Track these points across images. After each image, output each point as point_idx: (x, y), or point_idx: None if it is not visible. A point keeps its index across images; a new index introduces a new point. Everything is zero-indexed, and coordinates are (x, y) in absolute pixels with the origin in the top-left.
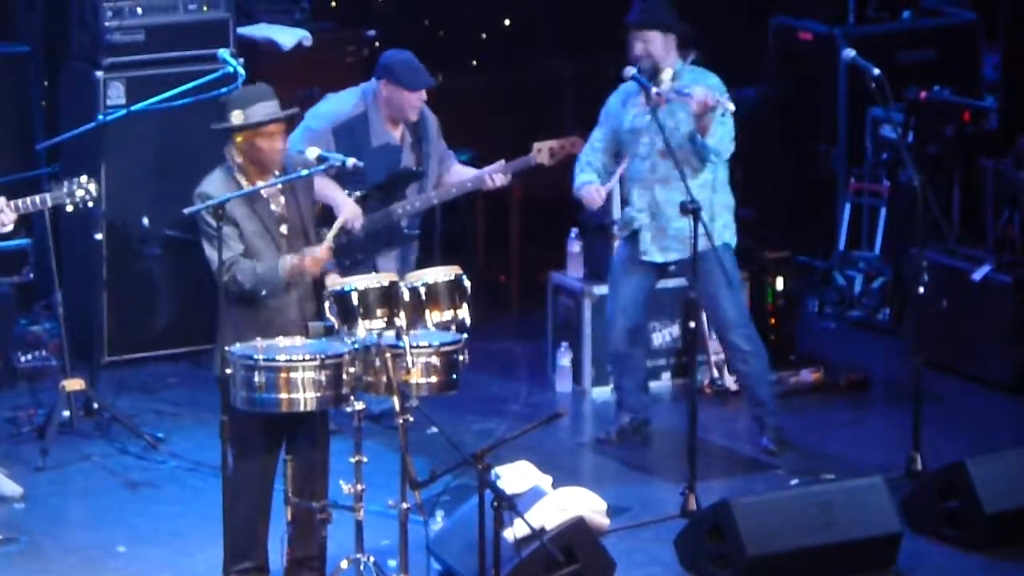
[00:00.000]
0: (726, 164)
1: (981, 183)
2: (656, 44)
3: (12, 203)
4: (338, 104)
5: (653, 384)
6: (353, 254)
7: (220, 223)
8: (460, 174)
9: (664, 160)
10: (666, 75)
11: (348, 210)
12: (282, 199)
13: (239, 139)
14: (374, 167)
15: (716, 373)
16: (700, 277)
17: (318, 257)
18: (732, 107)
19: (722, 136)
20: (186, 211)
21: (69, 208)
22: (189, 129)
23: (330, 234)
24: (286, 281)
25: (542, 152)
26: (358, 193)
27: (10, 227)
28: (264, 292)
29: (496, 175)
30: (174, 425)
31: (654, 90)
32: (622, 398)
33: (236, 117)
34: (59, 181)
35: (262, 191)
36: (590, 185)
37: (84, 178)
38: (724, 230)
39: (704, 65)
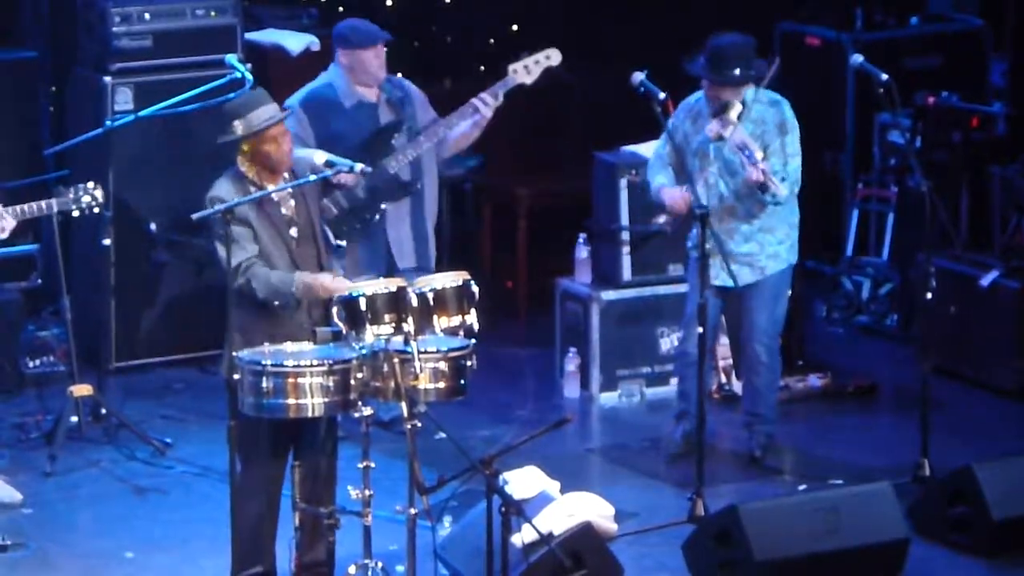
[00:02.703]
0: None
1: (989, 189)
2: (726, 91)
3: (11, 209)
4: (304, 87)
5: (661, 389)
6: (361, 215)
7: (230, 226)
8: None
9: (730, 190)
10: (734, 112)
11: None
12: (292, 202)
13: (245, 148)
14: (353, 126)
15: (724, 378)
16: (751, 289)
17: (329, 287)
18: (784, 192)
19: (789, 186)
20: (195, 216)
21: (75, 214)
22: (197, 134)
23: (367, 283)
24: (296, 297)
25: (519, 72)
26: (358, 167)
27: (6, 234)
28: (276, 303)
29: (485, 99)
30: (182, 431)
31: (660, 96)
32: (687, 407)
33: (236, 128)
34: (67, 187)
35: (272, 195)
36: (671, 188)
37: (91, 184)
38: (791, 251)
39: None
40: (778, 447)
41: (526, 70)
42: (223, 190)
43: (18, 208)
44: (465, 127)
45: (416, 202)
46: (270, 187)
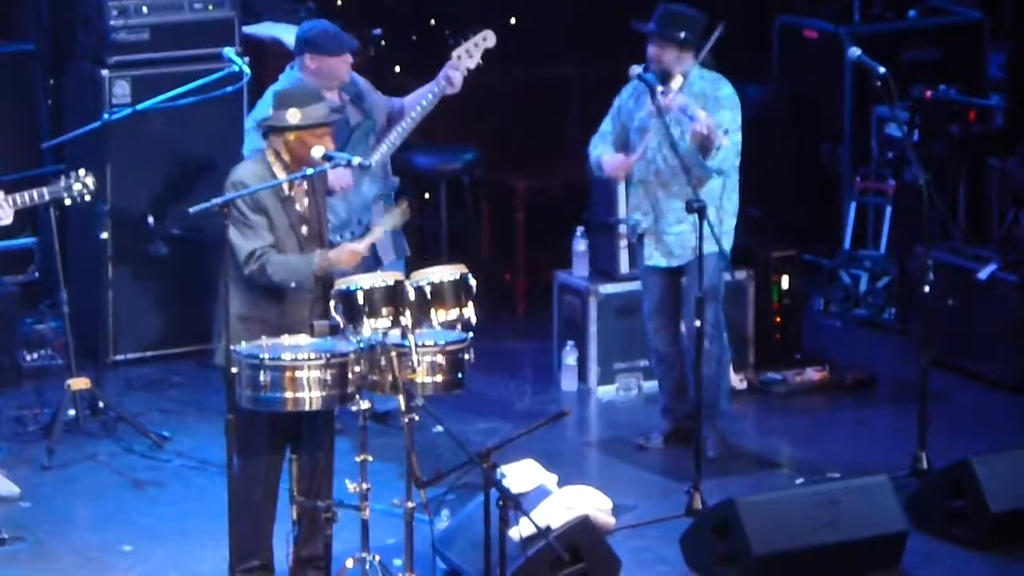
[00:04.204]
0: (736, 169)
1: (987, 182)
2: (669, 53)
3: (10, 197)
4: (266, 95)
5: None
6: (359, 217)
7: (244, 212)
8: (414, 97)
9: (667, 165)
10: (675, 82)
11: (335, 176)
12: (305, 200)
13: (292, 137)
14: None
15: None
16: (689, 276)
17: (357, 250)
18: (725, 142)
19: (724, 156)
20: (193, 209)
21: (67, 202)
22: (194, 128)
23: (373, 233)
24: (316, 276)
25: (463, 57)
26: (356, 160)
27: (8, 220)
28: (293, 284)
29: (453, 75)
30: (180, 424)
31: (659, 88)
32: (665, 402)
33: (293, 116)
34: (58, 177)
35: (290, 190)
36: (612, 155)
37: (82, 172)
38: (723, 237)
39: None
40: (730, 446)
41: (468, 54)
42: (247, 174)
43: (15, 196)
44: (436, 101)
45: (388, 194)
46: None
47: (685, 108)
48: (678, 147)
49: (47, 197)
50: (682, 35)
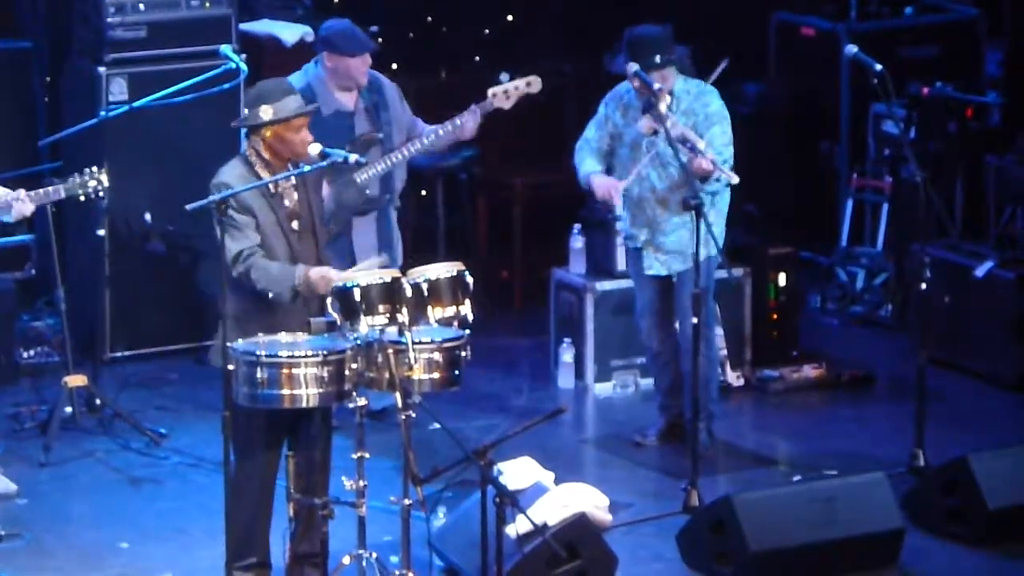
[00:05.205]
0: (727, 188)
1: (983, 179)
2: (671, 77)
3: (30, 193)
4: None
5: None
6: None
7: (230, 213)
8: (433, 128)
9: (664, 182)
10: (663, 105)
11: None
12: (295, 195)
13: (268, 134)
14: (329, 135)
15: (719, 369)
16: (684, 279)
17: (331, 279)
18: (735, 179)
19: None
20: (192, 205)
21: (82, 198)
22: (191, 125)
23: (354, 269)
24: (295, 291)
25: (498, 96)
26: (353, 158)
27: (26, 214)
28: (271, 295)
29: (467, 120)
30: (176, 421)
31: (656, 86)
32: (661, 400)
33: (265, 112)
34: (70, 173)
35: (276, 187)
36: (602, 176)
37: (95, 168)
38: (718, 239)
39: (704, 64)
40: (717, 444)
41: (505, 95)
42: (230, 176)
43: (34, 193)
44: (446, 139)
45: (383, 207)
46: (273, 176)
47: (684, 139)
48: (677, 158)
49: (63, 194)
50: (657, 60)
